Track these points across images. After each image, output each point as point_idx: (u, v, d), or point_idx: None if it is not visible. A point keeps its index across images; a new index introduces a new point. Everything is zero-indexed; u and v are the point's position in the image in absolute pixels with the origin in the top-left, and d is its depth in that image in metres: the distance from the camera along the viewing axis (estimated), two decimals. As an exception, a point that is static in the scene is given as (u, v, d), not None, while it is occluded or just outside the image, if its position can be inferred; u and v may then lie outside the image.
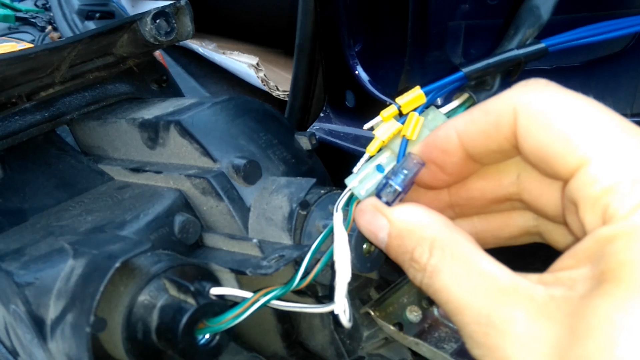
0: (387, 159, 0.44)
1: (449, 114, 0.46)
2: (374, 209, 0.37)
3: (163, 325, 0.47)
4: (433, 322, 0.61)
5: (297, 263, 0.53)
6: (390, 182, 0.39)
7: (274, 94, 1.06)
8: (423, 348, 0.58)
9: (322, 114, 0.75)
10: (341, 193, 0.59)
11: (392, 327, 0.58)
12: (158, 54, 0.92)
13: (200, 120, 0.62)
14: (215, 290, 0.49)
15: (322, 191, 0.57)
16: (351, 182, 0.43)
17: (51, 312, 0.49)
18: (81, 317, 0.46)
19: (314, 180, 0.57)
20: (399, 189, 0.38)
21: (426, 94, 0.42)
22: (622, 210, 0.26)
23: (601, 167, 0.28)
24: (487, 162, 0.37)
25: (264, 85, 1.09)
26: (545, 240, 0.39)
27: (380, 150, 0.44)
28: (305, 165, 0.64)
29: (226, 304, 0.49)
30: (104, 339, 0.48)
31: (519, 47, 0.48)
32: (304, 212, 0.55)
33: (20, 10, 2.07)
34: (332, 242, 0.46)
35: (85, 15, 1.41)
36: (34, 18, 2.03)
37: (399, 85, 0.75)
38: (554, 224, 0.38)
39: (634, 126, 0.29)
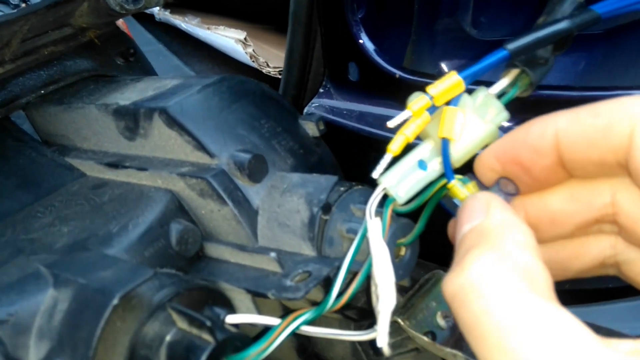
0: (429, 152, 0.37)
1: (500, 95, 0.39)
2: (484, 199, 0.29)
3: (173, 366, 0.39)
4: None
5: (327, 280, 0.45)
6: None
7: (264, 70, 0.97)
8: (461, 360, 0.52)
9: (321, 90, 0.66)
10: (362, 188, 0.51)
11: (425, 338, 0.52)
12: (121, 22, 0.81)
13: (190, 106, 0.53)
14: (232, 319, 0.41)
15: (342, 188, 0.49)
16: (385, 179, 0.36)
17: (32, 355, 0.40)
18: (74, 367, 0.37)
19: (335, 178, 0.48)
20: None
21: (464, 79, 0.35)
22: None
23: None
24: (578, 175, 0.31)
25: (253, 61, 0.99)
26: (622, 273, 0.33)
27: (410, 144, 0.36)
28: (314, 155, 0.56)
29: (247, 335, 0.41)
30: (101, 386, 0.40)
31: (569, 15, 0.41)
32: (327, 217, 0.47)
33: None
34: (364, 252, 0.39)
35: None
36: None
37: (405, 57, 0.67)
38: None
39: None
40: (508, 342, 0.21)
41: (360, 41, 0.62)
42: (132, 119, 0.55)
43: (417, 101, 0.35)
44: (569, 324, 0.21)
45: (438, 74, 0.66)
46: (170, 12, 1.23)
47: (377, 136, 0.62)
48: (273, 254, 0.45)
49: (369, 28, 0.62)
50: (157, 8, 1.25)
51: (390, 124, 0.35)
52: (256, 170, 0.50)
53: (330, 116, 0.65)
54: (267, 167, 0.51)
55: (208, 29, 1.10)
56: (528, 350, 0.21)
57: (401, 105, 0.61)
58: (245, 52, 1.00)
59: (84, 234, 0.48)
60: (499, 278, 0.23)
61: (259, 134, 0.53)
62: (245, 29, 1.06)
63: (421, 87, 0.59)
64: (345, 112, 0.65)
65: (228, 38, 1.04)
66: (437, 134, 0.35)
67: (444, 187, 0.36)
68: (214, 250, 0.49)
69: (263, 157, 0.50)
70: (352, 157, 0.66)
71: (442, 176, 0.36)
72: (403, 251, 0.48)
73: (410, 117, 0.35)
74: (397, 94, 0.62)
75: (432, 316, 0.53)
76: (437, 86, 0.35)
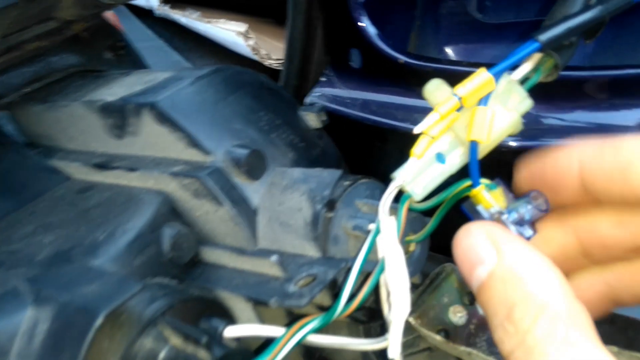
0: (448, 144, 0.33)
1: (523, 81, 0.35)
2: (484, 233, 0.27)
3: (167, 388, 0.35)
4: (479, 322, 0.52)
5: (333, 283, 0.41)
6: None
7: (265, 63, 0.94)
8: (477, 358, 0.48)
9: (323, 78, 0.62)
10: (368, 182, 0.47)
11: (438, 337, 0.48)
12: (111, 14, 0.77)
13: (182, 100, 0.49)
14: (231, 332, 0.38)
15: (347, 182, 0.45)
16: (401, 173, 0.32)
17: (11, 381, 0.36)
18: (56, 394, 0.33)
19: (339, 171, 0.44)
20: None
21: (494, 76, 0.32)
22: None
23: None
24: (608, 203, 0.29)
25: (255, 54, 0.96)
26: None
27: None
28: (316, 148, 0.52)
29: (248, 350, 0.37)
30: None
31: (599, 1, 0.38)
32: (331, 215, 0.43)
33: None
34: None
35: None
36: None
37: (409, 43, 0.63)
38: None
39: None
40: None
41: (362, 25, 0.58)
42: (119, 116, 0.51)
43: (444, 102, 0.31)
44: None
45: (443, 59, 0.62)
46: (170, 7, 1.20)
47: (381, 124, 0.58)
48: (274, 258, 0.41)
49: (372, 12, 0.58)
50: (157, 3, 1.22)
51: (417, 130, 0.31)
52: (254, 167, 0.46)
53: (333, 105, 0.61)
54: (266, 162, 0.47)
55: (208, 22, 1.07)
56: None
57: (406, 91, 0.58)
58: (247, 45, 0.97)
59: (67, 243, 0.44)
60: (552, 336, 0.23)
61: (257, 127, 0.49)
62: (246, 22, 1.03)
63: (426, 73, 0.56)
64: (348, 100, 0.61)
65: (229, 31, 1.01)
66: (465, 134, 0.32)
67: (466, 189, 0.33)
68: (211, 255, 0.46)
69: (261, 152, 0.46)
70: (357, 147, 0.62)
71: (463, 172, 0.33)
72: (413, 247, 0.45)
73: (438, 118, 0.32)
74: (401, 80, 0.59)
75: (444, 313, 0.50)
76: (466, 85, 0.31)
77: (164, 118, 0.48)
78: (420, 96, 0.57)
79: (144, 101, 0.49)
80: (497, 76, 0.32)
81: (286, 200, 0.44)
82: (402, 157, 0.62)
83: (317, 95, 0.62)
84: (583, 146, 0.29)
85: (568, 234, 0.31)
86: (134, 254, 0.42)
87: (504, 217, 0.30)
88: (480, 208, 0.31)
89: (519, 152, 0.49)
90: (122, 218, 0.45)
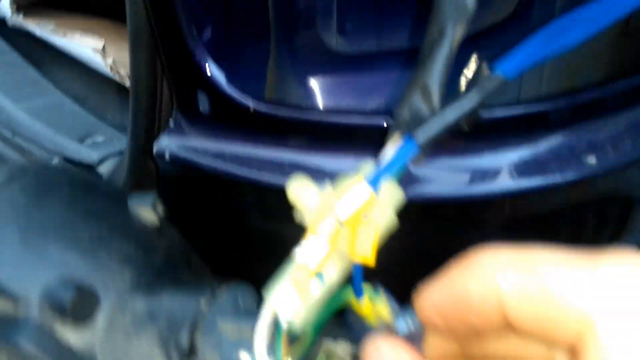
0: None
1: (391, 169, 0.32)
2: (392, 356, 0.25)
3: None
4: None
5: None
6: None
7: (126, 84, 0.80)
8: None
9: (171, 123, 0.53)
10: (229, 291, 0.41)
11: None
12: None
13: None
14: None
15: (204, 306, 0.38)
16: (274, 298, 0.28)
17: None
18: None
19: (194, 303, 0.37)
20: None
21: (373, 186, 0.29)
22: None
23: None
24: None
25: (114, 74, 0.82)
26: None
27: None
28: (159, 252, 0.43)
29: None
30: None
31: (473, 83, 0.35)
32: (192, 362, 0.36)
33: None
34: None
35: None
36: None
37: (267, 78, 0.56)
38: None
39: None
40: None
41: (207, 69, 0.50)
42: None
43: (318, 221, 0.28)
44: None
45: (301, 106, 0.55)
46: (24, 16, 1.00)
47: (237, 178, 0.52)
48: None
49: (217, 52, 0.50)
50: (9, 12, 1.02)
51: (300, 260, 0.28)
52: (83, 309, 0.36)
53: (183, 154, 0.53)
54: (98, 297, 0.37)
55: (64, 36, 0.91)
56: None
57: (262, 141, 0.51)
58: (105, 64, 0.83)
59: None
60: None
61: (78, 248, 0.39)
62: (109, 30, 0.88)
63: (282, 121, 0.49)
64: (199, 149, 0.52)
65: (85, 47, 0.86)
66: (342, 246, 0.28)
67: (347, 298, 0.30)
68: None
69: (90, 286, 0.37)
70: (215, 204, 0.55)
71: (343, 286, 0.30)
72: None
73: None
74: (256, 128, 0.52)
75: None
76: (346, 204, 0.28)
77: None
78: (279, 146, 0.50)
79: None
80: (377, 186, 0.29)
81: (132, 349, 0.36)
82: (263, 212, 0.55)
83: (165, 144, 0.53)
84: (500, 276, 0.23)
85: (449, 339, 0.28)
86: None
87: (393, 331, 0.27)
88: (366, 322, 0.29)
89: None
90: None
